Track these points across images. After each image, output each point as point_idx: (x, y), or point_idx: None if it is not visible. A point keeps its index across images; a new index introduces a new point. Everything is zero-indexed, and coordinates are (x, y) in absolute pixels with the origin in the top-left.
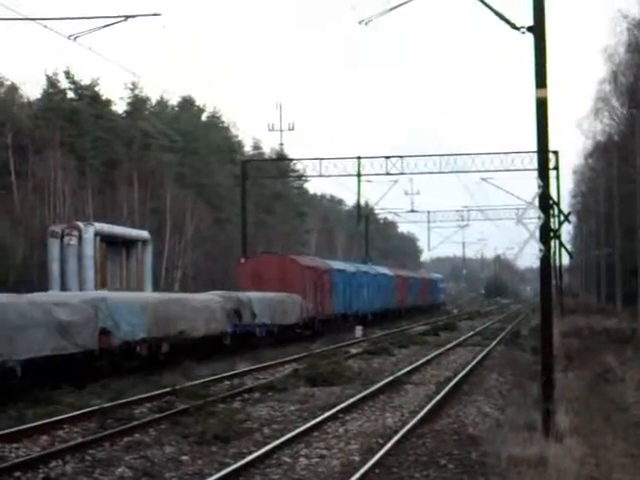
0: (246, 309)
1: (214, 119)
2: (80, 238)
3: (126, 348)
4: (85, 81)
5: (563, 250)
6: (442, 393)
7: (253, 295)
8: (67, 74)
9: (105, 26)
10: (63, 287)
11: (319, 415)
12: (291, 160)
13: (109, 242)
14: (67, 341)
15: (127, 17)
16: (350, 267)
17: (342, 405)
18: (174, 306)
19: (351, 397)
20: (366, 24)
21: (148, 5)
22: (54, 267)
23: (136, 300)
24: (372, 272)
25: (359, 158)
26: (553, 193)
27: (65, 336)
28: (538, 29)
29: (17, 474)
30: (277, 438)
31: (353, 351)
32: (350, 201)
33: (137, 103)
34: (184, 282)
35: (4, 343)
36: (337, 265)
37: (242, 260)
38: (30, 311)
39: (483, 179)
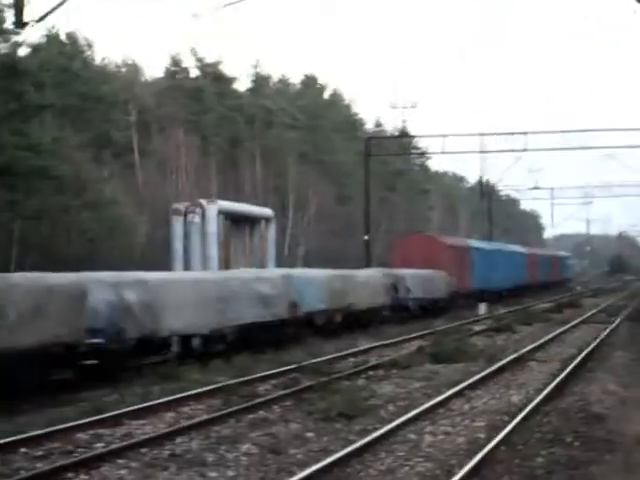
0: (401, 284)
1: (336, 97)
2: (203, 216)
3: (308, 318)
4: (208, 59)
5: None
6: (567, 370)
7: (407, 272)
8: (193, 52)
9: (228, 4)
10: (186, 265)
11: (444, 392)
12: (413, 137)
13: (232, 220)
14: (266, 311)
15: None
16: (487, 245)
17: (466, 382)
18: (345, 282)
19: (475, 374)
20: None
21: None
22: (177, 245)
23: (316, 277)
24: (506, 250)
25: (482, 135)
26: None
27: (265, 306)
28: None
29: (143, 450)
30: (402, 415)
31: (476, 328)
32: (472, 178)
33: (259, 81)
34: (306, 259)
35: (220, 312)
36: (476, 244)
37: (365, 237)
38: (239, 285)
39: (608, 155)
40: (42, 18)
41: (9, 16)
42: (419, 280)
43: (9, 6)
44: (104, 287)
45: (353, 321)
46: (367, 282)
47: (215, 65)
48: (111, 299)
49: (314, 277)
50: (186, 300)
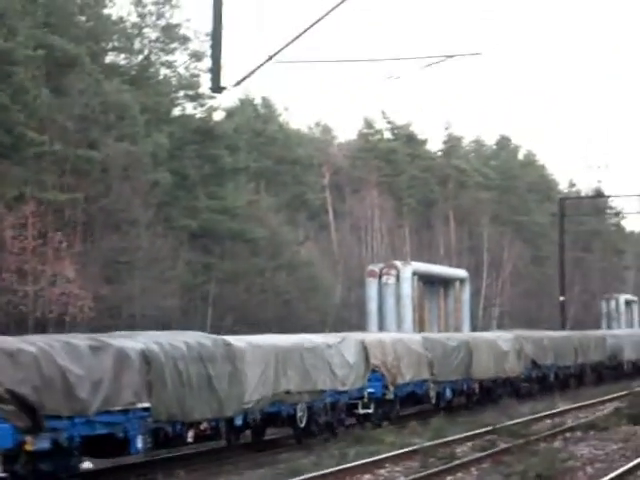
0: None
1: (530, 157)
2: (398, 277)
3: None
4: (400, 121)
5: None
6: None
7: None
8: (383, 114)
9: (427, 66)
10: (380, 326)
11: None
12: (608, 197)
13: (426, 281)
14: (634, 353)
15: (447, 57)
16: None
17: None
18: None
19: None
20: None
21: (468, 44)
22: (372, 306)
23: None
24: None
25: None
26: None
27: (635, 350)
28: None
29: None
30: (601, 477)
31: None
32: None
33: (452, 141)
34: (501, 320)
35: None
36: None
37: (561, 298)
38: (631, 337)
39: None
40: (239, 82)
41: (204, 81)
42: None
43: (205, 71)
44: (606, 337)
45: None
46: None
47: (406, 127)
48: (610, 341)
49: None
50: (628, 343)
